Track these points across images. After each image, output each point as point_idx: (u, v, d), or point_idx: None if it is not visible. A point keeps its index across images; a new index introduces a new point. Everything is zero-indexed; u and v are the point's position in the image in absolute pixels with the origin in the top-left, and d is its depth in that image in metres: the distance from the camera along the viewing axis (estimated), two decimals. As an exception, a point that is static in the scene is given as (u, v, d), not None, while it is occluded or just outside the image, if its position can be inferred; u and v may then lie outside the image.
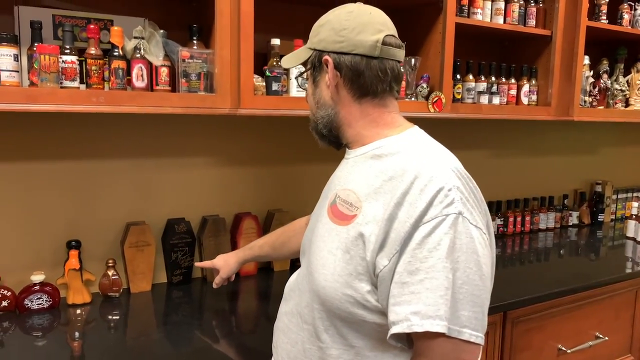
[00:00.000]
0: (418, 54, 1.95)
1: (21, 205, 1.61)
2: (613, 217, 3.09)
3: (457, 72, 2.07)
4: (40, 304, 1.58)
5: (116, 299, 1.69)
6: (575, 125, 2.89)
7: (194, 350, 1.36)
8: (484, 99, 2.11)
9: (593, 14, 2.40)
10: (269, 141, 2.00)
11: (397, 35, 1.05)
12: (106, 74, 1.44)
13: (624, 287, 2.06)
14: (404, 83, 1.82)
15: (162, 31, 1.52)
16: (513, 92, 2.23)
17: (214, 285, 1.59)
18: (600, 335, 2.00)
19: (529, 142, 2.78)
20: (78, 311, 1.60)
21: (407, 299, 0.86)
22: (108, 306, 1.64)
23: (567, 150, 2.94)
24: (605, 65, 2.55)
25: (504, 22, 2.13)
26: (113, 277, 1.69)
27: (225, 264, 1.56)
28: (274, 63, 1.63)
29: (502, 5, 2.10)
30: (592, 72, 2.46)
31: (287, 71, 1.63)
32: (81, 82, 1.41)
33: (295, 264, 1.97)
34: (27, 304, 1.57)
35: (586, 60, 2.40)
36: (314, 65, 1.06)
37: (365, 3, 1.07)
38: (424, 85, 1.88)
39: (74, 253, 1.62)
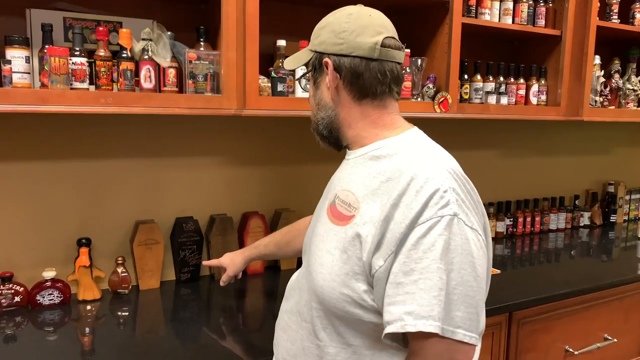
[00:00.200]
0: (425, 55, 1.95)
1: (33, 203, 1.65)
2: (626, 218, 3.06)
3: (465, 72, 2.07)
4: (51, 299, 1.62)
5: (125, 295, 1.72)
6: (588, 125, 2.86)
7: (201, 346, 1.39)
8: (492, 99, 2.11)
9: (604, 13, 2.38)
10: (276, 141, 2.02)
11: (397, 37, 1.05)
12: (115, 75, 1.47)
13: (634, 289, 2.04)
14: (409, 83, 1.83)
15: (169, 33, 1.54)
16: (522, 92, 2.22)
17: (221, 283, 1.61)
18: (609, 337, 1.99)
19: (541, 142, 2.76)
20: (88, 307, 1.64)
21: (401, 299, 0.87)
22: (117, 302, 1.68)
23: (579, 150, 2.92)
24: (617, 65, 2.53)
25: (513, 22, 2.12)
26: (122, 274, 1.72)
27: (231, 262, 1.59)
28: (280, 64, 1.64)
29: (510, 5, 2.09)
30: (602, 72, 2.43)
31: (292, 72, 1.65)
32: (90, 83, 1.45)
33: (301, 263, 1.98)
34: (39, 300, 1.61)
35: (597, 59, 2.38)
36: (315, 67, 1.07)
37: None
38: (430, 85, 1.88)
39: (84, 250, 1.65)
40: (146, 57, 1.49)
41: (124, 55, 1.47)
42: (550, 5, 2.21)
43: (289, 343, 1.08)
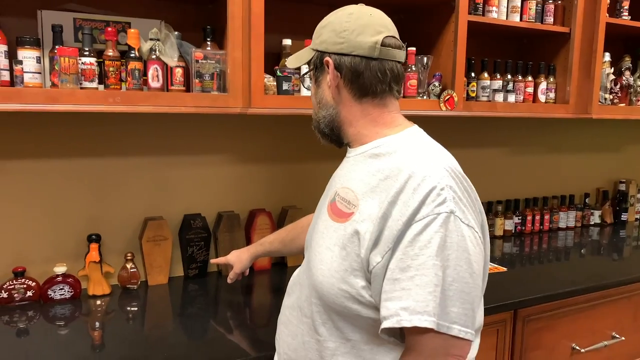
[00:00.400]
0: (431, 53, 1.95)
1: (45, 200, 1.69)
2: (637, 216, 3.03)
3: (472, 70, 2.08)
4: (62, 294, 1.65)
5: (134, 290, 1.76)
6: (599, 123, 2.84)
7: (208, 340, 1.41)
8: (499, 97, 2.11)
9: (614, 10, 2.37)
10: (283, 139, 2.04)
11: (398, 37, 1.06)
12: (123, 74, 1.50)
13: (642, 287, 2.03)
14: (415, 82, 1.84)
15: (176, 33, 1.57)
16: (530, 89, 2.22)
17: (229, 280, 1.63)
18: (617, 336, 1.98)
19: (550, 139, 2.75)
20: (98, 302, 1.67)
21: (398, 294, 0.88)
22: (126, 297, 1.71)
23: (589, 148, 2.90)
24: (627, 62, 2.50)
25: (521, 19, 2.12)
26: (131, 270, 1.75)
27: (238, 259, 1.61)
28: (285, 63, 1.66)
29: (518, 2, 2.09)
30: (612, 69, 2.41)
31: (298, 71, 1.66)
32: (100, 82, 1.47)
33: (308, 260, 2.00)
34: (51, 295, 1.64)
35: (607, 57, 2.36)
36: (316, 66, 1.09)
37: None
38: (437, 83, 1.89)
39: (94, 246, 1.69)
40: (154, 56, 1.51)
41: (132, 55, 1.49)
42: (559, 2, 2.20)
43: (290, 338, 1.10)
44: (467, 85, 2.05)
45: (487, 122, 2.51)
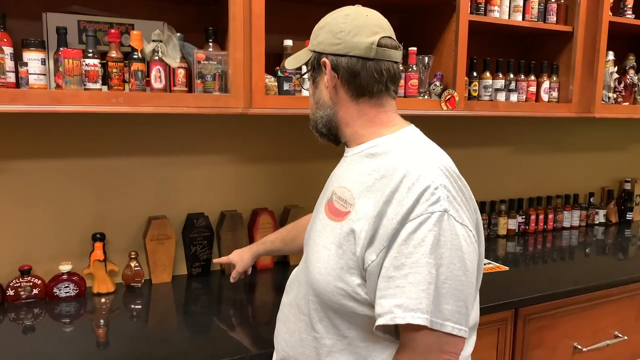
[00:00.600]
0: (432, 53, 1.96)
1: (51, 200, 1.72)
2: (643, 215, 3.02)
3: (474, 69, 2.08)
4: (67, 292, 1.68)
5: (138, 289, 1.78)
6: (603, 122, 2.83)
7: (210, 337, 1.43)
8: (501, 96, 2.11)
9: (618, 8, 2.36)
10: (286, 139, 2.05)
11: (394, 37, 1.07)
12: (126, 76, 1.52)
13: (646, 286, 2.02)
14: (416, 81, 1.84)
15: (179, 34, 1.58)
16: (532, 89, 2.22)
17: (231, 280, 1.65)
18: (620, 335, 1.98)
19: (555, 139, 2.74)
20: (102, 300, 1.69)
21: (392, 292, 0.90)
22: (130, 296, 1.73)
23: (594, 147, 2.89)
24: (632, 61, 2.50)
25: (523, 18, 2.12)
26: (135, 268, 1.77)
27: (240, 259, 1.63)
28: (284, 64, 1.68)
29: (520, 2, 2.09)
30: (616, 68, 2.41)
31: (299, 71, 1.67)
32: (103, 83, 1.50)
33: (310, 259, 2.01)
34: (56, 292, 1.67)
35: (610, 55, 2.36)
36: (314, 66, 1.10)
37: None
38: (438, 83, 1.90)
39: (98, 245, 1.71)
40: (156, 58, 1.53)
41: (135, 56, 1.51)
42: (562, 1, 2.20)
43: (288, 335, 1.12)
44: (469, 85, 2.05)
45: (491, 122, 2.51)
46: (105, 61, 1.50)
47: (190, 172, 1.91)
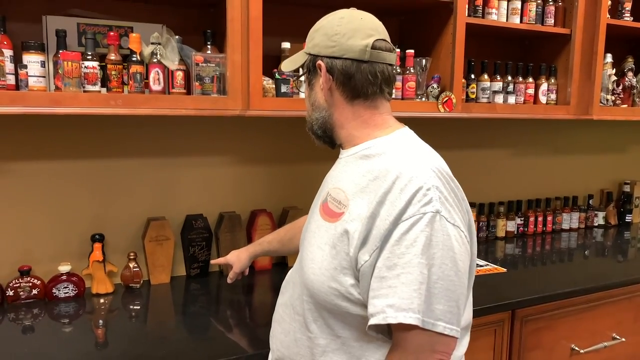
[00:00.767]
0: (430, 55, 1.97)
1: (50, 201, 1.73)
2: (643, 217, 3.02)
3: (472, 71, 2.09)
4: (66, 292, 1.69)
5: (137, 289, 1.79)
6: (602, 124, 2.84)
7: (208, 338, 1.44)
8: (499, 99, 2.12)
9: (616, 11, 2.37)
10: (284, 141, 2.07)
11: (388, 40, 1.08)
12: (125, 78, 1.54)
13: (644, 288, 2.03)
14: (414, 83, 1.85)
15: (177, 37, 1.60)
16: (531, 91, 2.22)
17: (229, 280, 1.66)
18: (617, 337, 1.98)
19: (555, 141, 2.75)
20: (101, 300, 1.71)
21: (384, 292, 0.91)
22: (129, 296, 1.74)
23: (593, 149, 2.89)
24: (630, 63, 2.50)
25: (521, 21, 2.13)
26: (134, 269, 1.79)
27: (237, 259, 1.64)
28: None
29: (518, 5, 2.10)
30: (614, 70, 2.41)
31: (296, 73, 1.69)
32: (102, 86, 1.51)
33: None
34: (55, 293, 1.68)
35: (608, 58, 2.36)
36: (309, 69, 1.11)
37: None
38: (435, 85, 1.91)
39: (97, 246, 1.73)
40: (155, 60, 1.54)
41: (133, 58, 1.53)
42: (560, 4, 2.20)
43: (283, 335, 1.13)
44: (467, 87, 2.06)
45: (490, 124, 2.52)
46: (104, 63, 1.51)
47: (189, 174, 1.92)
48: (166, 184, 1.89)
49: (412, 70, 1.86)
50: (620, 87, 2.44)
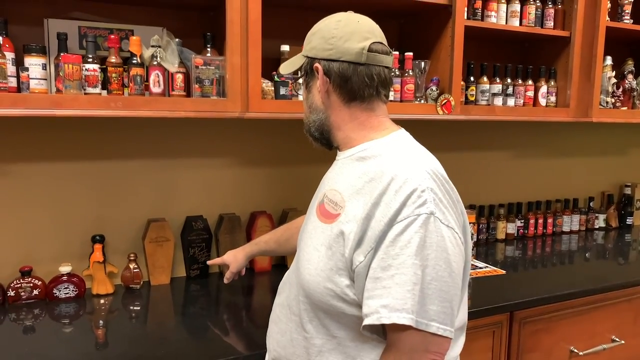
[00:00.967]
0: (429, 58, 1.98)
1: (51, 202, 1.74)
2: (644, 220, 3.01)
3: (472, 74, 2.10)
4: (67, 293, 1.70)
5: (137, 290, 1.80)
6: (603, 126, 2.84)
7: (206, 339, 1.45)
8: (498, 101, 2.12)
9: (616, 14, 2.37)
10: (284, 143, 2.08)
11: (385, 43, 1.09)
12: (126, 80, 1.55)
13: (643, 290, 2.03)
14: (412, 86, 1.86)
15: (177, 40, 1.61)
16: (530, 93, 2.23)
17: (225, 280, 1.66)
18: (617, 339, 1.98)
19: (556, 143, 2.75)
20: (102, 301, 1.72)
21: (379, 293, 0.91)
22: (129, 297, 1.75)
23: (594, 151, 2.89)
24: (630, 66, 2.50)
25: (520, 24, 2.13)
26: (134, 270, 1.80)
27: (234, 259, 1.64)
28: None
29: (517, 7, 2.11)
30: (614, 73, 2.42)
31: (296, 76, 1.70)
32: (103, 88, 1.52)
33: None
34: (56, 293, 1.69)
35: (608, 60, 2.37)
36: (307, 71, 1.12)
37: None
38: (434, 88, 1.91)
39: (98, 247, 1.74)
40: (155, 63, 1.56)
41: (134, 61, 1.54)
42: (559, 6, 2.21)
43: (279, 335, 1.14)
44: (466, 89, 2.07)
45: (491, 126, 2.53)
46: (104, 66, 1.52)
47: (189, 175, 1.93)
48: (166, 186, 1.90)
49: (411, 73, 1.87)
50: (620, 90, 2.44)
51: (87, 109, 1.43)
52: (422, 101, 1.93)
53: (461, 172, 2.48)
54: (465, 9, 1.93)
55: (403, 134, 1.10)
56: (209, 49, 1.65)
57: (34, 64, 1.46)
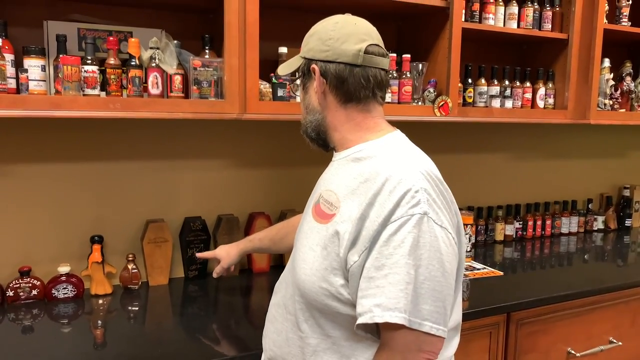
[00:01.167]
0: (427, 60, 1.99)
1: (50, 203, 1.75)
2: (642, 222, 3.02)
3: (469, 76, 2.10)
4: (66, 293, 1.71)
5: (135, 291, 1.81)
6: (601, 128, 2.84)
7: (204, 339, 1.45)
8: (496, 103, 2.13)
9: (614, 16, 2.38)
10: (283, 144, 2.08)
11: (382, 45, 1.10)
12: (124, 82, 1.56)
13: (640, 292, 2.03)
14: (410, 88, 1.87)
15: (176, 41, 1.62)
16: (528, 95, 2.24)
17: (214, 275, 1.66)
18: (614, 340, 1.98)
19: (554, 145, 2.76)
20: (100, 301, 1.72)
21: (372, 292, 0.92)
22: (128, 297, 1.76)
23: (593, 153, 2.90)
24: (628, 68, 2.51)
25: (518, 26, 2.14)
26: (133, 271, 1.80)
27: (226, 254, 1.65)
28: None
29: (515, 10, 2.12)
30: (612, 75, 2.42)
31: (293, 78, 1.71)
32: (101, 89, 1.53)
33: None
34: (55, 293, 1.70)
35: (606, 62, 2.38)
36: (304, 73, 1.13)
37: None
38: (431, 89, 1.92)
39: (96, 247, 1.75)
40: (153, 64, 1.57)
41: (132, 63, 1.55)
42: (557, 9, 2.22)
43: (275, 334, 1.14)
44: (464, 91, 2.07)
45: (489, 128, 2.53)
46: (103, 68, 1.53)
47: (188, 176, 1.94)
48: (165, 187, 1.91)
49: (408, 75, 1.88)
50: (618, 92, 2.44)
51: (86, 110, 1.44)
52: (420, 103, 1.93)
53: (459, 174, 2.49)
54: (463, 11, 1.94)
55: (398, 135, 1.11)
56: (207, 51, 1.66)
57: (33, 65, 1.47)
